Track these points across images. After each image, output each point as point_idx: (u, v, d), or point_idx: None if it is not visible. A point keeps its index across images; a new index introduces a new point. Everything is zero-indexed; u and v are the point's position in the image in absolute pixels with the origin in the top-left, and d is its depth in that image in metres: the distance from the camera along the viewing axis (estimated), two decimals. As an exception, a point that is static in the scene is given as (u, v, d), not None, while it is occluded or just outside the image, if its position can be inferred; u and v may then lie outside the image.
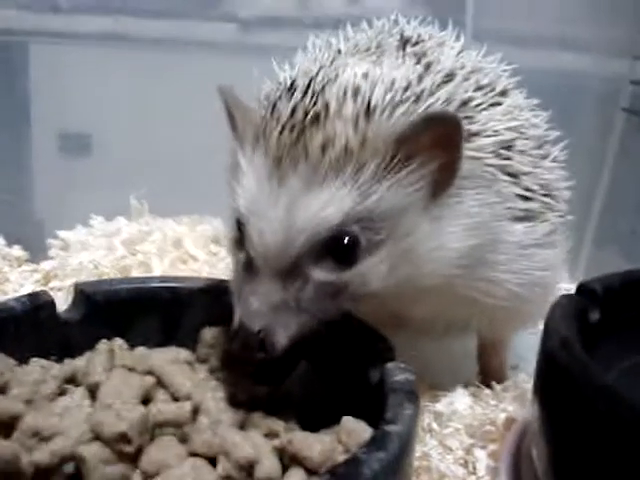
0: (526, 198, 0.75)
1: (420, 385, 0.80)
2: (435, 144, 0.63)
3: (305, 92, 0.65)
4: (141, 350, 0.77)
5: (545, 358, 0.60)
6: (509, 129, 0.74)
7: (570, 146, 0.85)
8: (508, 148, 0.74)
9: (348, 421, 0.65)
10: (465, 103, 0.71)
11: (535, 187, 0.76)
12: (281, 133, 0.63)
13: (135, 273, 1.03)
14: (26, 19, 1.43)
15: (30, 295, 0.75)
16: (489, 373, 0.90)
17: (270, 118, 0.65)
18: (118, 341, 0.76)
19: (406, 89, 0.66)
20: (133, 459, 0.62)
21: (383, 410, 0.61)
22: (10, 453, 0.59)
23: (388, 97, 0.65)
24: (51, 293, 0.84)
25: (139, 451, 0.63)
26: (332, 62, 0.69)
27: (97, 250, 1.09)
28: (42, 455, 0.60)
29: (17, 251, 1.11)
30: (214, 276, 1.05)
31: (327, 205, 0.62)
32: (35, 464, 0.60)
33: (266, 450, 0.62)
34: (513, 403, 0.77)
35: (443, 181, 0.66)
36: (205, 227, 1.20)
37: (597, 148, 1.35)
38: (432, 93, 0.68)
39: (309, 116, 0.63)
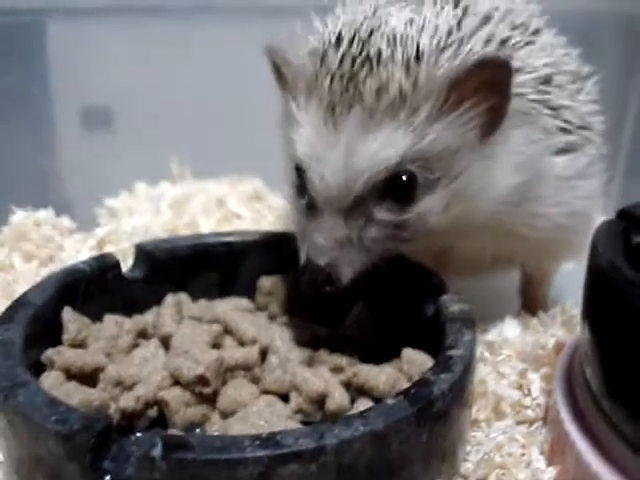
0: (566, 131, 0.77)
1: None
2: (486, 87, 0.66)
3: (352, 40, 0.67)
4: (203, 302, 0.81)
5: (592, 280, 0.63)
6: (546, 65, 0.76)
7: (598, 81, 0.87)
8: (547, 83, 0.76)
9: (408, 352, 0.69)
10: (504, 42, 0.73)
11: (574, 120, 0.79)
12: (332, 81, 0.66)
13: (184, 233, 1.07)
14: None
15: (96, 257, 0.79)
16: (533, 305, 0.92)
17: (320, 68, 0.67)
18: (182, 295, 0.80)
19: (449, 34, 0.68)
20: (211, 400, 0.67)
21: (441, 339, 0.65)
22: (100, 400, 0.63)
23: (434, 42, 0.67)
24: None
25: (215, 393, 0.68)
26: (374, 13, 0.71)
27: (144, 214, 1.13)
28: (128, 401, 0.65)
29: (67, 221, 1.14)
30: (261, 231, 1.09)
31: (384, 147, 0.64)
32: (121, 410, 0.65)
33: (334, 383, 0.66)
34: (561, 328, 0.80)
35: (492, 122, 0.68)
36: (245, 186, 1.23)
37: (622, 82, 1.36)
38: (472, 35, 0.70)
39: (358, 63, 0.65)
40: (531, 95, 0.73)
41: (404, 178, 0.66)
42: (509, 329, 0.80)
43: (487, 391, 0.72)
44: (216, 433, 0.65)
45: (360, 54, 0.66)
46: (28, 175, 1.29)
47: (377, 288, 0.75)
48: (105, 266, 0.78)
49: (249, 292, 0.84)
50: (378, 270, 0.69)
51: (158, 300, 0.80)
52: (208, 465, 0.49)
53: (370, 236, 0.67)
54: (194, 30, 1.43)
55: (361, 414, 0.53)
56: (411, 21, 0.68)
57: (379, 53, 0.65)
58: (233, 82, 1.32)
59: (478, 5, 0.75)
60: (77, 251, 1.04)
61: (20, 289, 0.96)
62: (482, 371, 0.75)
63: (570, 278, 0.96)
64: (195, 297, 0.82)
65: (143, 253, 0.82)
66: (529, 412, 0.70)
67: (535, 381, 0.73)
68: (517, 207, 0.75)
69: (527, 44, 0.76)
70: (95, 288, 0.77)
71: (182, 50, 1.40)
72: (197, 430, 0.66)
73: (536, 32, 0.80)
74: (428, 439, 0.55)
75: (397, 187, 0.66)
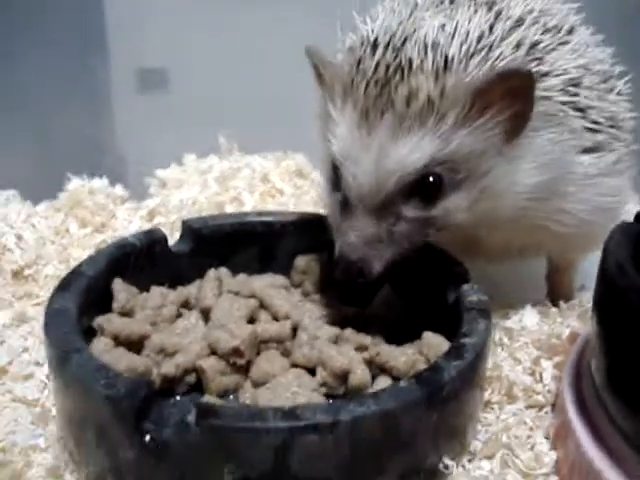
0: (593, 130, 0.80)
1: (492, 304, 0.88)
2: (509, 96, 0.70)
3: (386, 47, 0.71)
4: (242, 277, 0.87)
5: (602, 280, 0.66)
6: (576, 67, 0.79)
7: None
8: (576, 85, 0.78)
9: (428, 335, 0.74)
10: (534, 46, 0.76)
11: (601, 120, 0.81)
12: (367, 87, 0.70)
13: (229, 208, 1.13)
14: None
15: (145, 232, 0.85)
16: (558, 293, 0.96)
17: (356, 73, 0.72)
18: (223, 270, 0.86)
19: (479, 39, 0.72)
20: (245, 370, 0.74)
21: (459, 326, 0.70)
22: (144, 366, 0.70)
23: (464, 48, 0.71)
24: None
25: (249, 363, 0.74)
26: (410, 16, 0.75)
27: (192, 187, 1.19)
28: (169, 368, 0.72)
29: (120, 190, 1.21)
30: (300, 208, 1.15)
31: (413, 151, 0.69)
32: (163, 375, 0.72)
33: (358, 361, 0.72)
34: (578, 320, 0.84)
35: (517, 126, 0.72)
36: (289, 162, 1.28)
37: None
38: (503, 40, 0.73)
39: (391, 70, 0.70)
40: (559, 97, 0.76)
41: (431, 179, 0.71)
42: (528, 317, 0.84)
43: (502, 375, 0.77)
44: (247, 400, 0.71)
45: (394, 61, 0.70)
46: (84, 143, 1.36)
47: (405, 273, 0.79)
48: (153, 241, 0.85)
49: (287, 269, 0.89)
50: (407, 260, 0.75)
51: (202, 273, 0.86)
52: (236, 432, 0.55)
53: (399, 232, 0.71)
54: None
55: (375, 394, 0.59)
56: (443, 27, 0.72)
57: (410, 61, 0.70)
58: (285, 57, 1.35)
59: (512, 8, 0.77)
60: (128, 221, 1.11)
61: (75, 253, 1.04)
62: (499, 356, 0.80)
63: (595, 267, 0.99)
64: (236, 271, 0.88)
65: (189, 229, 0.88)
66: (539, 397, 0.75)
67: (548, 368, 0.77)
68: (542, 203, 0.78)
69: (558, 46, 0.79)
70: (144, 261, 0.83)
71: (238, 17, 1.43)
72: (231, 397, 0.73)
73: (570, 31, 0.83)
74: (437, 420, 0.61)
75: (424, 187, 0.71)
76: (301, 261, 0.88)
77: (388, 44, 0.72)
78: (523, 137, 0.73)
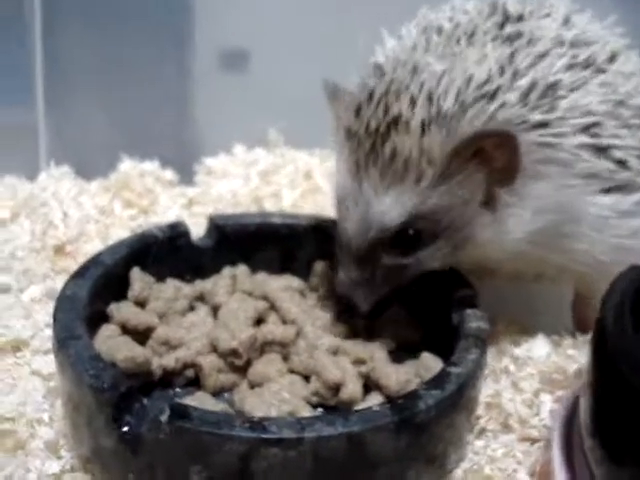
0: (615, 171, 0.76)
1: (506, 330, 0.87)
2: (490, 154, 0.69)
3: (380, 100, 0.72)
4: (262, 275, 0.89)
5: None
6: (604, 102, 0.75)
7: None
8: (599, 124, 0.74)
9: (426, 356, 0.75)
10: (552, 86, 0.73)
11: (628, 158, 0.76)
12: (360, 139, 0.72)
13: (267, 203, 1.15)
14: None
15: (169, 225, 0.88)
16: (582, 323, 0.94)
17: (354, 121, 0.73)
18: (241, 267, 0.88)
19: (484, 84, 0.70)
20: (242, 370, 0.76)
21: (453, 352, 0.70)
22: (143, 357, 0.73)
23: (460, 99, 0.70)
24: (193, 218, 0.99)
25: (248, 363, 0.76)
26: (426, 49, 0.75)
27: (235, 179, 1.21)
28: (169, 361, 0.75)
29: (169, 174, 1.24)
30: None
31: (392, 208, 0.71)
32: (163, 367, 0.75)
33: (352, 375, 0.73)
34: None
35: (503, 179, 0.71)
36: (334, 161, 1.28)
37: None
38: (514, 81, 0.71)
39: (382, 126, 0.71)
40: (573, 141, 0.73)
41: (410, 232, 0.72)
42: (538, 347, 0.83)
43: (500, 403, 0.76)
44: (239, 400, 0.73)
45: (384, 117, 0.71)
46: (141, 125, 1.38)
47: (419, 291, 0.80)
48: (177, 233, 0.87)
49: (307, 272, 0.90)
50: (421, 279, 0.77)
51: (222, 268, 0.88)
52: (202, 435, 0.57)
53: (379, 275, 0.75)
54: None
55: (345, 415, 0.60)
56: (443, 74, 0.71)
57: (397, 120, 0.70)
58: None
59: (538, 41, 0.75)
60: (169, 208, 1.14)
61: (115, 233, 1.08)
62: (502, 383, 0.79)
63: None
64: (257, 269, 0.90)
65: (214, 225, 0.90)
66: (534, 431, 0.74)
67: (547, 403, 0.76)
68: (549, 243, 0.77)
69: (589, 80, 0.75)
70: (165, 253, 0.86)
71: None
72: (226, 395, 0.75)
73: (611, 60, 0.79)
74: (408, 446, 0.61)
75: (403, 240, 0.73)
76: (319, 266, 0.89)
77: (381, 97, 0.72)
78: (517, 185, 0.72)
